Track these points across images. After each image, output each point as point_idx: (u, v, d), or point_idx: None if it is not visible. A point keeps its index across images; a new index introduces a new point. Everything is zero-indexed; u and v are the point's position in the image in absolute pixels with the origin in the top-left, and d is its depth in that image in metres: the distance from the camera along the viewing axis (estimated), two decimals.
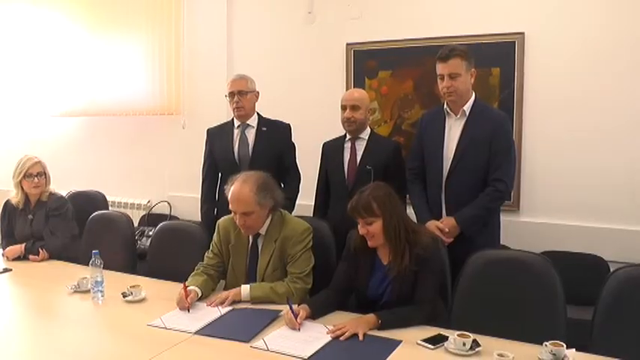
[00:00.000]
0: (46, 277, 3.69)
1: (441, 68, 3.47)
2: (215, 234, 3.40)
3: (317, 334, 2.61)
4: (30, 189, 4.13)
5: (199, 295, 3.08)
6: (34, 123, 6.64)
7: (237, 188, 3.12)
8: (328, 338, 2.57)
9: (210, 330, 2.70)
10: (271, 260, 3.19)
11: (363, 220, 2.85)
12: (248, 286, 3.08)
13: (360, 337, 2.54)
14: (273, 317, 2.81)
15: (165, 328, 2.72)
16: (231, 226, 3.30)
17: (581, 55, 4.05)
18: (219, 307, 2.95)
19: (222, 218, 3.43)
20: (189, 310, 2.93)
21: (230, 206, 3.15)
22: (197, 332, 2.67)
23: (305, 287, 3.14)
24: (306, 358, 2.39)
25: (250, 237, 3.28)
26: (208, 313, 2.90)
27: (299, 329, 2.67)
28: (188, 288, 3.04)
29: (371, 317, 2.67)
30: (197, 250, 3.57)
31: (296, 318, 2.69)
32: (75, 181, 5.57)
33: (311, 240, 3.24)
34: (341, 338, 2.55)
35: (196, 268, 3.30)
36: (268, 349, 2.47)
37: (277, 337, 2.60)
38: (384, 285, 2.91)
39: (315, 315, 2.80)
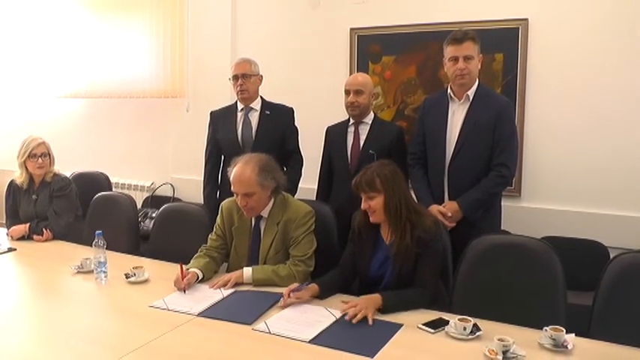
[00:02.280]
0: (49, 257, 3.71)
1: (454, 50, 3.47)
2: (218, 216, 3.42)
3: (319, 317, 2.62)
4: (34, 169, 4.15)
5: (199, 277, 3.10)
6: (38, 104, 6.66)
7: (239, 169, 3.14)
8: (330, 321, 2.58)
9: (213, 312, 2.72)
10: (273, 243, 3.22)
11: (366, 195, 2.89)
12: (250, 268, 3.10)
13: (370, 322, 2.55)
14: (275, 300, 2.82)
15: (168, 309, 2.74)
16: (235, 208, 3.32)
17: (584, 41, 4.04)
18: (222, 289, 2.97)
19: (226, 200, 3.44)
20: (185, 291, 2.95)
21: (232, 187, 3.17)
22: (199, 314, 2.69)
23: (307, 270, 3.16)
24: (307, 340, 2.41)
25: (253, 219, 3.30)
26: (211, 295, 2.92)
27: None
28: (189, 270, 3.07)
29: (377, 297, 2.67)
30: (200, 232, 3.59)
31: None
32: (79, 162, 5.59)
33: (313, 223, 3.26)
34: (353, 321, 2.54)
35: (199, 250, 3.32)
36: (270, 332, 2.49)
37: (279, 319, 2.62)
38: (386, 265, 2.94)
39: (322, 295, 2.84)
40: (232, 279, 3.04)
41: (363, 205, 2.91)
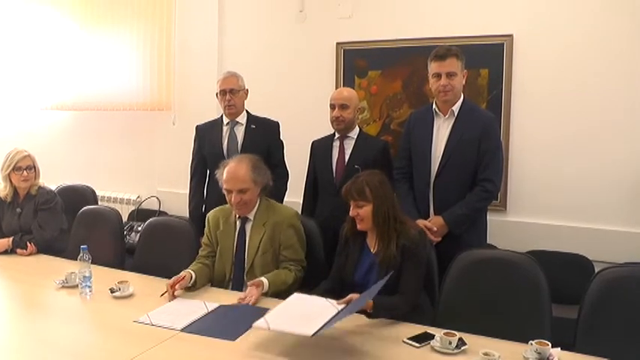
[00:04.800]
0: (33, 271, 3.67)
1: (437, 67, 3.49)
2: (206, 227, 3.46)
3: (322, 310, 2.57)
4: (19, 182, 4.12)
5: (193, 277, 3.14)
6: (24, 116, 6.62)
7: (234, 167, 3.23)
8: (332, 313, 2.51)
9: (196, 327, 2.69)
10: (261, 243, 3.25)
11: (355, 203, 2.95)
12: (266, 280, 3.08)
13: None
14: (260, 315, 2.80)
15: (152, 324, 2.73)
16: (220, 215, 3.39)
17: (568, 56, 4.08)
18: (206, 303, 2.96)
19: (212, 210, 3.50)
20: (172, 297, 3.00)
21: (225, 186, 3.23)
22: (183, 329, 2.67)
23: (303, 273, 3.27)
24: (310, 335, 2.34)
25: (238, 222, 3.34)
26: (195, 309, 2.90)
27: None
28: (183, 271, 3.14)
29: (369, 302, 2.68)
30: (185, 246, 3.59)
31: None
32: (64, 175, 5.57)
33: (301, 224, 3.36)
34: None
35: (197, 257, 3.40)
36: (270, 329, 2.45)
37: (278, 315, 2.57)
38: (370, 273, 2.97)
39: None
40: (255, 296, 2.99)
41: (352, 213, 2.98)
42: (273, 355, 2.41)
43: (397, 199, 3.61)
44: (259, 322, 2.49)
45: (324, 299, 2.70)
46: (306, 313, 2.56)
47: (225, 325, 2.73)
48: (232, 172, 3.21)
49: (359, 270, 3.02)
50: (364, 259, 3.03)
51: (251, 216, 3.31)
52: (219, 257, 3.36)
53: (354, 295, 2.65)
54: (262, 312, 2.79)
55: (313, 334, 2.34)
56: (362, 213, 2.94)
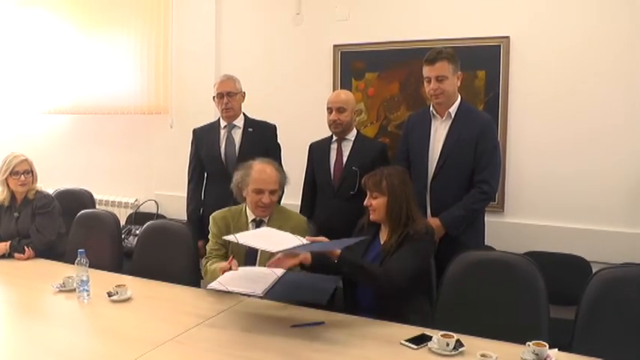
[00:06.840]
0: (31, 275, 3.67)
1: (427, 71, 3.51)
2: (212, 226, 3.40)
3: (263, 275, 2.84)
4: (16, 187, 4.11)
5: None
6: (21, 120, 6.61)
7: (263, 167, 3.28)
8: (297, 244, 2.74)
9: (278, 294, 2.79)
10: None
11: (370, 193, 3.04)
12: None
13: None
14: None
15: (227, 290, 2.84)
16: (230, 217, 3.38)
17: (565, 58, 4.09)
18: (274, 270, 2.93)
19: (216, 212, 3.46)
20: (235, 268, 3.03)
21: (256, 186, 3.23)
22: (263, 292, 2.71)
23: None
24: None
25: (251, 225, 3.33)
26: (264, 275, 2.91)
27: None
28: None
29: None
30: (183, 250, 3.58)
31: None
32: (62, 179, 5.57)
33: None
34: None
35: (206, 259, 3.36)
36: (238, 242, 2.73)
37: (250, 235, 2.84)
38: (375, 263, 2.97)
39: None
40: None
41: (366, 202, 3.07)
42: (272, 356, 2.40)
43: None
44: (229, 237, 2.74)
45: (293, 235, 2.86)
46: (275, 240, 2.74)
47: (308, 287, 2.86)
48: (264, 172, 3.25)
49: (365, 258, 3.04)
50: (373, 249, 3.08)
51: (265, 219, 3.32)
52: None
53: (324, 238, 2.87)
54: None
55: (276, 252, 2.64)
56: (375, 204, 3.04)
